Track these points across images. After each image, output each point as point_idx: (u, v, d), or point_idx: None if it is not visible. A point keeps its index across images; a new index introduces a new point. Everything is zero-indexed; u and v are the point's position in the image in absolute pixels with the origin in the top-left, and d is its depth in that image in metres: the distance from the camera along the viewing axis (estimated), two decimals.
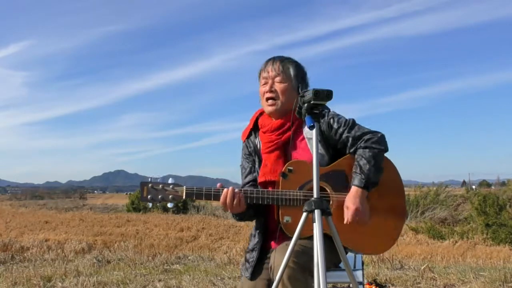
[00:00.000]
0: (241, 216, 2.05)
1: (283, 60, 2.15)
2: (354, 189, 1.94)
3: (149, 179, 2.00)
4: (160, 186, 1.98)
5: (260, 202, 1.95)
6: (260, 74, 2.19)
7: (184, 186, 1.98)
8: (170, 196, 1.98)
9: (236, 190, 1.95)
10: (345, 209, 1.93)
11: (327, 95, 1.71)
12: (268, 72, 2.13)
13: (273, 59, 2.16)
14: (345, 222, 1.91)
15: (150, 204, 2.01)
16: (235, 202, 1.93)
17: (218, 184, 1.98)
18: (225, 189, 1.95)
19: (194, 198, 2.00)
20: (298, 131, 2.09)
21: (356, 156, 2.00)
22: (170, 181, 2.00)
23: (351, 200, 1.93)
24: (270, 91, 2.11)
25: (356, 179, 1.94)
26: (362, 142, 2.00)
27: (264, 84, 2.15)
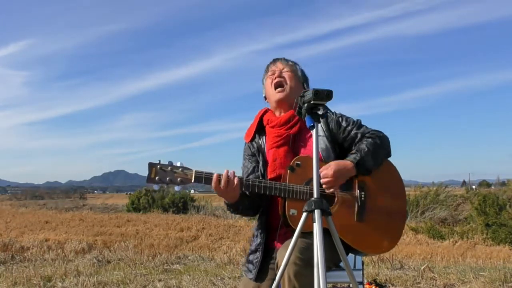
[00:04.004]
0: (235, 206, 2.03)
1: (289, 60, 2.26)
2: (343, 161, 1.98)
3: (158, 161, 1.93)
4: (169, 168, 1.92)
5: (267, 192, 1.95)
6: (267, 71, 2.27)
7: (194, 170, 1.94)
8: (179, 179, 1.92)
9: (231, 172, 1.93)
10: (325, 166, 1.94)
11: (327, 95, 1.71)
12: (277, 66, 2.23)
13: (281, 58, 2.27)
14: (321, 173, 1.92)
15: (157, 186, 1.93)
16: (229, 183, 1.90)
17: (225, 171, 1.94)
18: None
19: (203, 182, 1.93)
20: (306, 127, 2.10)
21: (359, 142, 2.05)
22: (179, 164, 1.94)
23: (334, 164, 1.95)
24: (279, 76, 2.18)
25: (351, 156, 1.98)
26: (368, 134, 2.07)
27: (271, 75, 2.21)
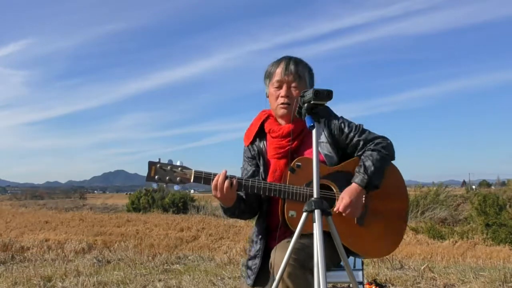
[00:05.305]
0: (232, 211, 2.02)
1: (298, 64, 2.11)
2: (353, 185, 1.95)
3: (158, 159, 1.94)
4: (169, 167, 1.92)
5: (266, 193, 1.94)
6: (271, 74, 2.13)
7: (193, 169, 1.94)
8: (178, 178, 1.92)
9: (229, 175, 1.92)
10: (339, 199, 1.94)
11: (327, 95, 1.71)
12: (285, 76, 2.09)
13: (289, 61, 2.11)
14: (335, 209, 1.92)
15: (156, 185, 1.94)
16: (226, 185, 1.89)
17: (224, 171, 1.94)
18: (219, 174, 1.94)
19: (202, 182, 1.93)
20: (309, 135, 2.07)
21: (363, 156, 2.02)
22: (179, 163, 1.95)
23: (347, 192, 1.93)
24: (286, 96, 2.07)
25: (358, 178, 1.95)
26: (372, 145, 2.03)
27: (278, 87, 2.10)
